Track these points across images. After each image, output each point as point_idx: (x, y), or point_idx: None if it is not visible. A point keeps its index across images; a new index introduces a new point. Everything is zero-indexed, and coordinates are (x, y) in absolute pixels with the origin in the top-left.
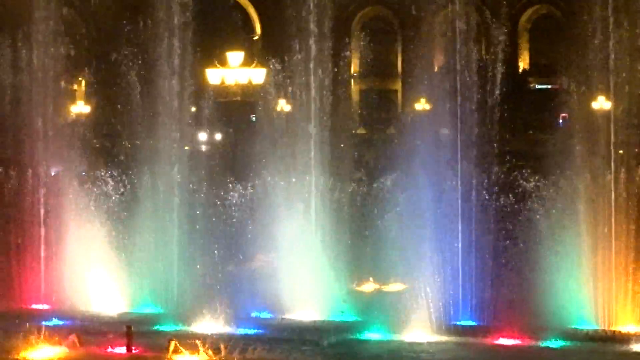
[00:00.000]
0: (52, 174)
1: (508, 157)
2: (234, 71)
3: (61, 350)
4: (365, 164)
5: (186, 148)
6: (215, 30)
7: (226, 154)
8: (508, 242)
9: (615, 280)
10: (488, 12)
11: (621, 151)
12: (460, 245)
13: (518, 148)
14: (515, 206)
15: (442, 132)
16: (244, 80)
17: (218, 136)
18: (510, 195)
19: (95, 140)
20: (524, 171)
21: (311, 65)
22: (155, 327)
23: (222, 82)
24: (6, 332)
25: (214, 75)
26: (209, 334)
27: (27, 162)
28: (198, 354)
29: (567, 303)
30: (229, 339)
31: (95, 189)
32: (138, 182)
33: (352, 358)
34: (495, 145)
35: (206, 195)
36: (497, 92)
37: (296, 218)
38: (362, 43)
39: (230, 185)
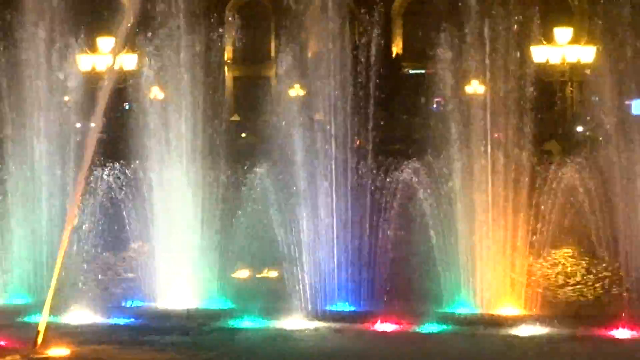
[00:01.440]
0: None
1: (383, 142)
2: (105, 57)
3: None
4: (239, 152)
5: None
6: (87, 16)
7: (100, 142)
8: (385, 226)
9: (494, 264)
10: None
11: (497, 135)
12: (335, 231)
13: (393, 132)
14: (392, 190)
15: (316, 117)
16: (115, 67)
17: (92, 125)
18: (387, 179)
19: None
20: (398, 155)
21: (182, 52)
22: (25, 319)
23: (93, 69)
24: None
25: (85, 62)
26: (80, 324)
27: None
28: (70, 346)
29: (446, 287)
30: (99, 329)
31: None
32: (7, 171)
33: (226, 346)
34: (369, 129)
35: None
36: (371, 77)
37: (170, 207)
38: (235, 29)
39: (103, 174)
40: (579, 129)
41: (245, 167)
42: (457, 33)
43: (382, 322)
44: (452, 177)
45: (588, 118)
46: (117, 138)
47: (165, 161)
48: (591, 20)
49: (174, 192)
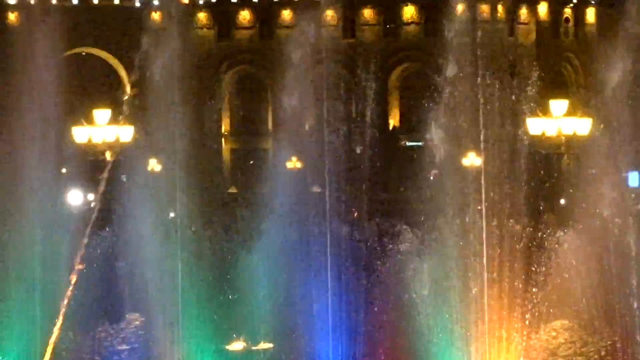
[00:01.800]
0: None
1: (379, 212)
2: (101, 129)
3: None
4: (236, 224)
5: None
6: (85, 89)
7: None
8: (379, 296)
9: (489, 334)
10: (359, 69)
11: (487, 204)
12: (330, 301)
13: (389, 203)
14: (386, 260)
15: (315, 189)
16: (111, 139)
17: (90, 196)
18: (380, 250)
19: None
20: (394, 224)
21: (179, 126)
22: None
23: (90, 141)
24: None
25: (80, 134)
26: None
27: None
28: None
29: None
30: None
31: None
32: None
33: None
34: (365, 201)
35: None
36: (367, 149)
37: (161, 285)
38: (234, 102)
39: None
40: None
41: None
42: (452, 105)
43: None
44: (447, 247)
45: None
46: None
47: (163, 232)
48: (587, 92)
49: (168, 265)
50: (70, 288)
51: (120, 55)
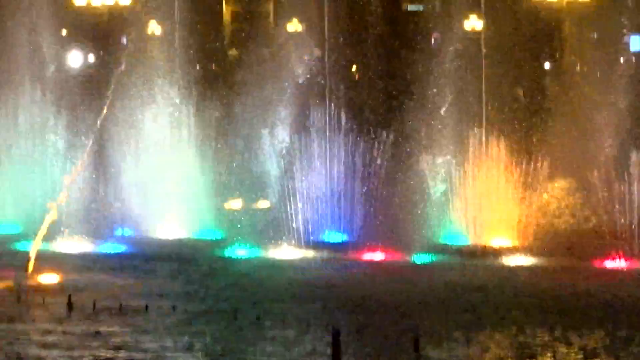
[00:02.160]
0: None
1: (382, 80)
2: None
3: None
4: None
5: None
6: None
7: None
8: (379, 159)
9: (486, 197)
10: None
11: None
12: (328, 162)
13: (391, 70)
14: (388, 129)
15: (315, 53)
16: (110, 2)
17: (91, 58)
18: (381, 119)
19: None
20: (398, 95)
21: None
22: (17, 247)
23: (89, 4)
24: None
25: None
26: (71, 252)
27: None
28: (59, 273)
29: (438, 220)
30: (89, 257)
31: None
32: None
33: (218, 276)
34: (366, 66)
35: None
36: (368, 13)
37: (165, 137)
38: None
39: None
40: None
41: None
42: None
43: (372, 252)
44: (449, 112)
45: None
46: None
47: (163, 92)
48: None
49: (169, 123)
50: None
51: None
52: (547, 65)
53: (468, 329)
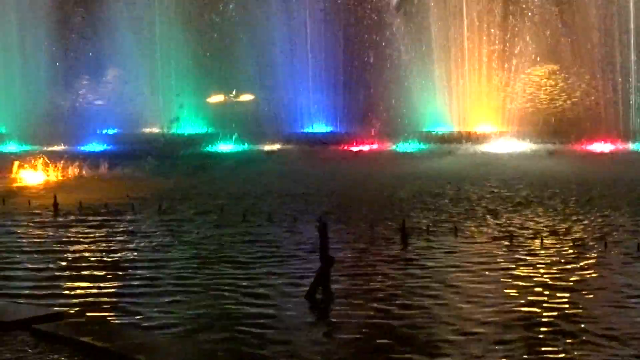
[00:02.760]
0: None
1: None
2: None
3: None
4: None
5: None
6: None
7: None
8: (362, 51)
9: (470, 84)
10: None
11: None
12: (310, 51)
13: None
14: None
15: None
16: None
17: None
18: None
19: None
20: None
21: None
22: (3, 150)
23: None
24: None
25: None
26: (57, 150)
27: None
28: (46, 171)
29: (422, 108)
30: (75, 156)
31: None
32: None
33: (210, 165)
34: None
35: None
36: None
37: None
38: None
39: None
40: None
41: None
42: None
43: (358, 143)
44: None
45: None
46: None
47: None
48: None
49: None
50: None
51: None
52: None
53: (459, 216)
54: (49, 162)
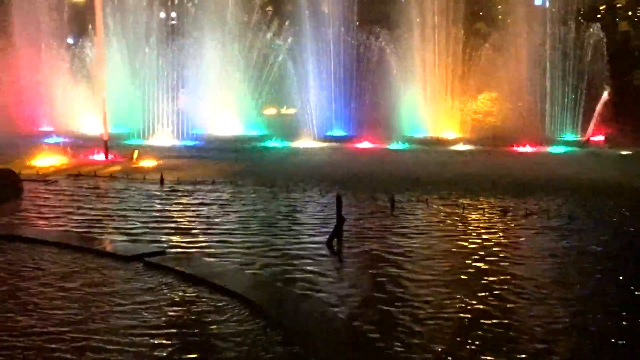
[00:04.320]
0: None
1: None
2: None
3: (59, 159)
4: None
5: None
6: None
7: None
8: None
9: (440, 101)
10: None
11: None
12: (332, 75)
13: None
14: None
15: None
16: None
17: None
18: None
19: None
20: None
21: None
22: (126, 142)
23: None
24: (23, 146)
25: None
26: (163, 146)
27: None
28: (156, 159)
29: (406, 119)
30: (176, 149)
31: None
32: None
33: (262, 153)
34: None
35: None
36: None
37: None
38: None
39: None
40: None
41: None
42: None
43: (362, 142)
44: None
45: None
46: None
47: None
48: None
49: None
50: None
51: None
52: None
53: (429, 193)
54: (156, 151)
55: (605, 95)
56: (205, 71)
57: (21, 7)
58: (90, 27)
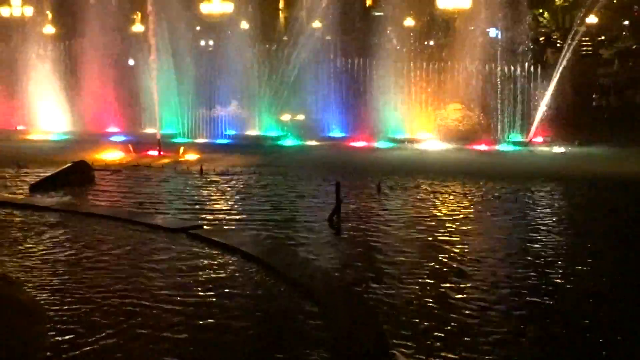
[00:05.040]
0: None
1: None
2: None
3: (122, 155)
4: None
5: None
6: None
7: None
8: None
9: (415, 108)
10: None
11: None
12: (332, 86)
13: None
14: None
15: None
16: None
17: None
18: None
19: None
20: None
21: None
22: (175, 140)
23: None
24: (95, 143)
25: None
26: (203, 143)
27: None
28: (197, 153)
29: (389, 122)
30: (212, 146)
31: None
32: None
33: (279, 149)
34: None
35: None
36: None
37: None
38: None
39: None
40: None
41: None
42: None
43: (356, 141)
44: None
45: None
46: None
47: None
48: None
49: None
50: None
51: None
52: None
53: (407, 180)
54: (197, 147)
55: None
56: (236, 85)
57: (93, 36)
58: (147, 48)
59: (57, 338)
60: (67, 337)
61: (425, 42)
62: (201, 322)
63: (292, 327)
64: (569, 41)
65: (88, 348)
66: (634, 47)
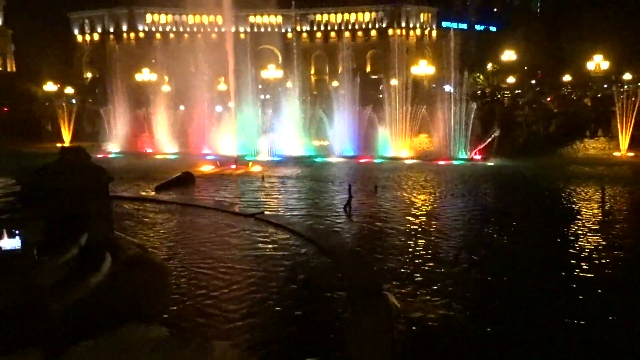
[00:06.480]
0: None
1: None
2: None
3: (212, 167)
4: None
5: None
6: None
7: None
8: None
9: (399, 136)
10: None
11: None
12: (345, 122)
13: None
14: (369, 108)
15: None
16: None
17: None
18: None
19: None
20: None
21: None
22: (246, 158)
23: None
24: (195, 160)
25: None
26: (263, 160)
27: None
28: (260, 166)
29: (383, 146)
30: (269, 162)
31: None
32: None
33: (312, 163)
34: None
35: None
36: None
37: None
38: None
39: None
40: None
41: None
42: None
43: (361, 158)
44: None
45: None
46: None
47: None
48: None
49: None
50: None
51: None
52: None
53: (396, 183)
54: (260, 163)
55: (496, 132)
56: (284, 121)
57: (193, 91)
58: (228, 99)
59: (176, 287)
60: (183, 287)
61: (404, 94)
62: (264, 265)
63: (316, 274)
64: (497, 94)
65: (198, 292)
66: (536, 98)
